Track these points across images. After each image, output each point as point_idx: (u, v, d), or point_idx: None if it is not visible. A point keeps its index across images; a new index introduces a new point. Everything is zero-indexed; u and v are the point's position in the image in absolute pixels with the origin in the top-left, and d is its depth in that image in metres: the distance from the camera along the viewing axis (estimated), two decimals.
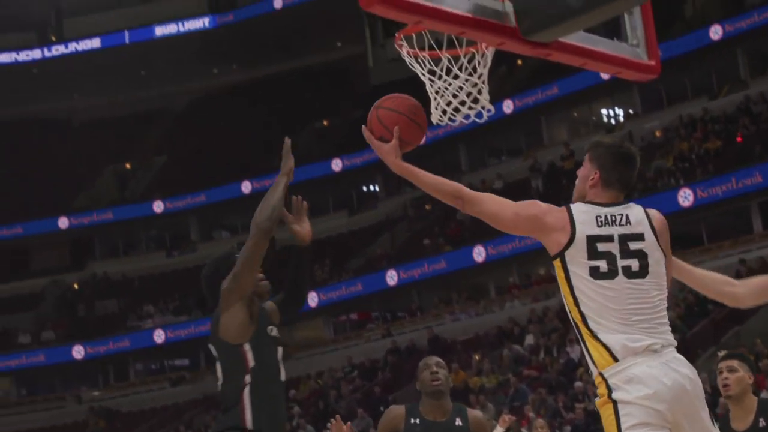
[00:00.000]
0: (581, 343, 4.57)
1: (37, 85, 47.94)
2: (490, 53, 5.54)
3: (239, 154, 43.53)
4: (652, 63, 5.55)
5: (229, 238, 43.70)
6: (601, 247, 4.53)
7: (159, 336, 38.09)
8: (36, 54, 47.27)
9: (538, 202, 4.77)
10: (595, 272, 4.51)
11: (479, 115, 5.65)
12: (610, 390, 4.43)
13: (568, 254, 4.57)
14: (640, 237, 4.57)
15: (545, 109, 36.86)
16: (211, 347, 5.18)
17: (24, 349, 39.97)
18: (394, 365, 30.82)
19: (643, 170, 32.17)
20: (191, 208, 43.03)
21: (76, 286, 43.86)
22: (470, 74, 5.60)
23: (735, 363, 6.18)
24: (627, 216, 4.60)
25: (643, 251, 4.54)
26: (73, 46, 46.95)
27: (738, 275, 26.22)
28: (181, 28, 45.90)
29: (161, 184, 45.14)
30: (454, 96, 5.63)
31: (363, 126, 5.03)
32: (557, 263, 4.61)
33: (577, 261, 4.55)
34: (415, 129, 5.06)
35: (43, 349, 40.25)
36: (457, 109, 5.66)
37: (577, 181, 4.83)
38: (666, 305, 4.58)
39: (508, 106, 35.83)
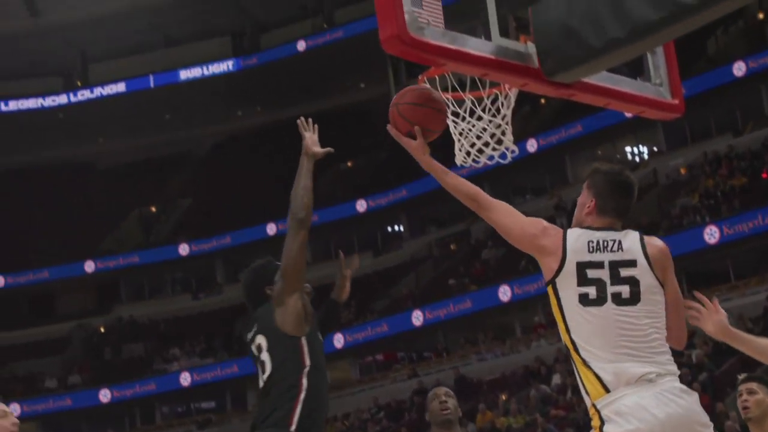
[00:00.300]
0: (575, 372, 4.52)
1: (63, 129, 48.33)
2: (513, 94, 5.57)
3: (264, 196, 43.65)
4: (676, 102, 5.55)
5: None
6: (591, 273, 4.50)
7: (185, 379, 38.07)
8: (62, 99, 47.65)
9: (542, 221, 4.73)
10: (584, 299, 4.48)
11: (503, 156, 5.66)
12: (602, 422, 4.36)
13: (558, 280, 4.55)
14: (631, 263, 4.50)
15: (569, 148, 36.86)
16: (261, 338, 5.24)
17: (50, 393, 40.01)
18: (421, 406, 30.68)
19: (668, 208, 32.09)
20: (217, 251, 43.13)
21: (102, 330, 43.97)
22: (494, 115, 5.62)
23: (754, 385, 6.16)
24: (619, 242, 4.53)
25: (635, 278, 4.48)
26: (98, 91, 47.30)
27: (765, 312, 26.02)
28: (206, 72, 46.22)
29: (186, 226, 45.31)
30: (478, 137, 5.65)
31: (388, 125, 5.07)
32: (549, 289, 4.60)
33: (568, 287, 4.52)
34: (438, 117, 5.10)
35: (70, 393, 40.30)
36: (480, 150, 5.67)
37: (576, 208, 4.78)
38: (662, 333, 4.48)
39: (532, 145, 35.86)
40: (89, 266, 43.98)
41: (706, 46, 37.55)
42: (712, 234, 29.09)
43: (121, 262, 44.25)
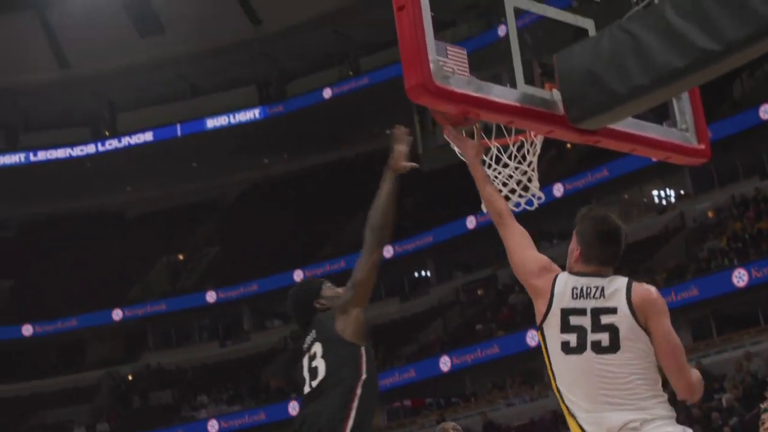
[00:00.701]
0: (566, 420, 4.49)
1: (91, 178, 48.66)
2: (539, 141, 5.59)
3: (290, 243, 43.79)
4: (702, 147, 5.55)
5: (282, 326, 43.78)
6: (574, 320, 4.47)
7: (213, 426, 38.00)
8: (90, 149, 48.00)
9: (546, 262, 4.72)
10: (566, 347, 4.45)
11: (530, 202, 5.67)
12: None
13: (545, 325, 4.53)
14: (612, 310, 4.45)
15: (596, 192, 36.76)
16: (318, 346, 5.25)
17: None
18: None
19: (696, 251, 31.93)
20: (244, 298, 43.17)
21: (130, 378, 44.01)
22: (520, 162, 5.63)
23: None
24: (602, 288, 4.49)
25: (614, 325, 4.42)
26: (126, 140, 47.64)
27: None
28: (232, 120, 46.51)
29: (214, 274, 45.41)
30: (504, 184, 5.66)
31: (444, 131, 5.11)
32: (539, 335, 4.57)
33: (552, 334, 4.50)
34: None
35: None
36: (507, 197, 5.68)
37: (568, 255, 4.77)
38: (650, 379, 4.40)
39: (558, 190, 35.81)
40: (117, 314, 44.11)
41: (731, 89, 37.51)
42: (740, 277, 28.89)
43: (149, 309, 44.36)
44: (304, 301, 5.50)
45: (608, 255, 4.62)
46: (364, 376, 5.16)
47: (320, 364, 5.18)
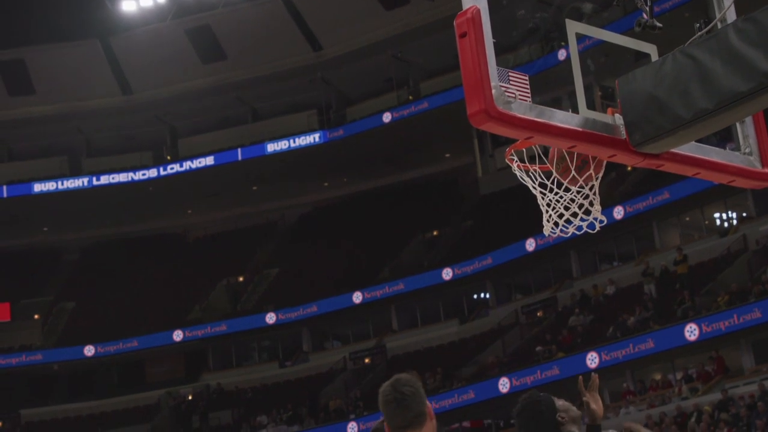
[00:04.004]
0: None
1: (153, 202, 49.22)
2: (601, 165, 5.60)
3: (349, 266, 43.91)
4: (767, 170, 5.54)
5: (340, 347, 43.87)
6: None
7: None
8: (152, 173, 48.51)
9: None
10: None
11: (591, 226, 5.68)
12: None
13: None
14: None
15: (656, 215, 36.50)
16: None
17: None
18: None
19: (758, 274, 31.52)
20: (303, 319, 43.33)
21: (190, 397, 44.30)
22: (581, 186, 5.64)
23: None
24: None
25: None
26: (187, 164, 48.10)
27: None
28: (293, 144, 46.80)
29: (273, 296, 45.64)
30: (566, 208, 5.67)
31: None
32: None
33: None
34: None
35: None
36: (568, 221, 5.69)
37: None
38: None
39: (618, 212, 35.58)
40: (178, 335, 44.47)
41: None
42: None
43: (210, 330, 44.65)
44: (549, 417, 5.46)
45: (397, 421, 4.38)
46: None
47: None
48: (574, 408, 5.42)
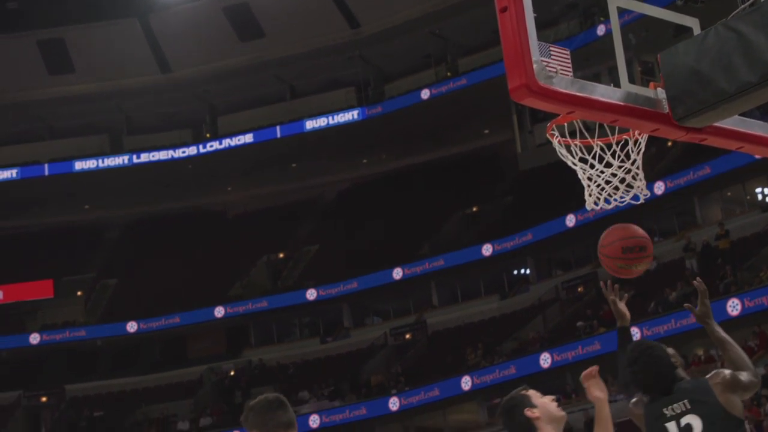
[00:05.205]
0: None
1: (193, 179, 49.49)
2: (643, 139, 5.60)
3: (389, 242, 43.98)
4: None
5: (381, 323, 44.00)
6: None
7: (314, 421, 38.33)
8: (191, 150, 48.73)
9: None
10: None
11: (635, 198, 5.68)
12: None
13: None
14: None
15: (698, 190, 36.26)
16: (694, 418, 5.26)
17: None
18: None
19: None
20: (343, 295, 43.49)
21: (232, 373, 44.62)
22: (623, 160, 5.65)
23: None
24: None
25: None
26: (226, 142, 48.29)
27: None
28: (331, 121, 46.86)
29: (313, 272, 45.81)
30: (607, 182, 5.67)
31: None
32: None
33: None
34: (629, 272, 5.31)
35: None
36: (611, 194, 5.69)
37: None
38: None
39: (659, 188, 35.37)
40: (219, 311, 44.75)
41: None
42: None
43: (251, 307, 44.90)
44: (666, 361, 5.42)
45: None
46: None
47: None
48: (677, 355, 5.47)
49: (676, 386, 5.29)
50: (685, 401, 5.24)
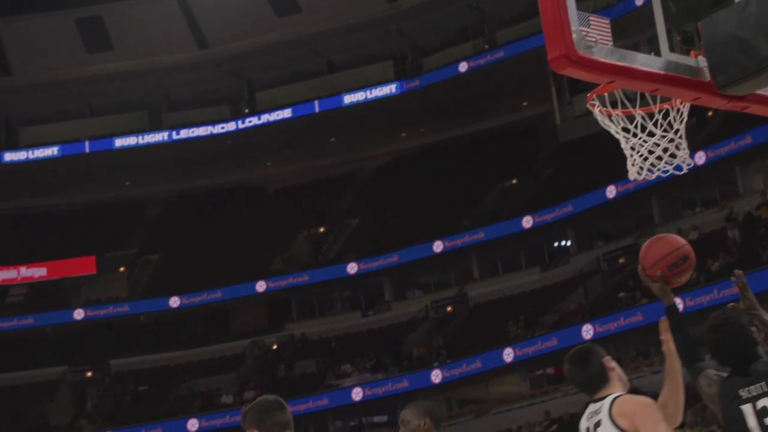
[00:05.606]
0: None
1: (232, 155, 49.70)
2: (685, 108, 5.58)
3: (429, 215, 43.99)
4: None
5: (422, 296, 44.08)
6: None
7: (357, 394, 38.56)
8: (230, 126, 48.93)
9: None
10: None
11: (678, 167, 5.67)
12: None
13: None
14: None
15: (739, 159, 35.97)
16: None
17: (227, 408, 41.03)
18: None
19: None
20: (384, 269, 43.57)
21: (274, 347, 44.90)
22: (665, 130, 5.64)
23: None
24: None
25: None
26: (265, 117, 48.43)
27: None
28: (369, 95, 46.84)
29: (354, 246, 45.93)
30: (650, 152, 5.66)
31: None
32: None
33: None
34: (675, 279, 5.36)
35: None
36: (653, 164, 5.68)
37: None
38: None
39: (700, 158, 35.11)
40: (261, 286, 44.98)
41: None
42: None
43: (292, 281, 45.10)
44: (748, 333, 5.30)
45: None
46: None
47: None
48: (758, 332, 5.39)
49: (753, 367, 5.19)
50: (763, 383, 5.16)
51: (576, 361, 5.09)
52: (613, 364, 5.03)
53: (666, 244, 5.35)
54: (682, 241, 5.37)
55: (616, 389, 5.00)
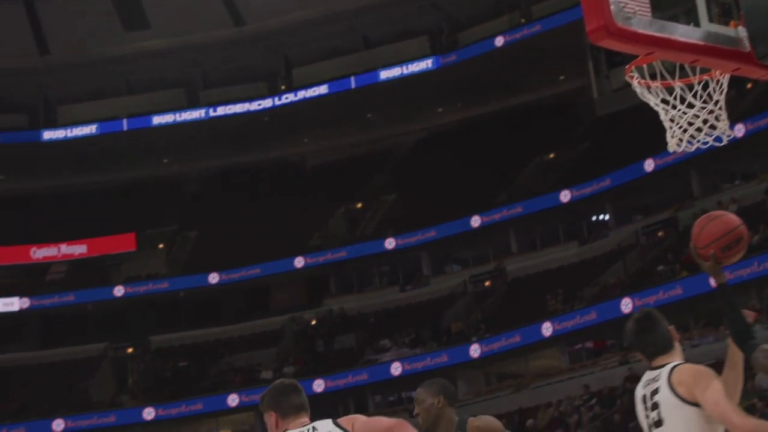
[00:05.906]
0: None
1: (269, 131, 49.82)
2: (725, 80, 5.56)
3: (466, 189, 43.94)
4: None
5: (460, 271, 44.10)
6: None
7: (396, 368, 38.68)
8: (267, 103, 49.01)
9: None
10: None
11: (718, 139, 5.65)
12: None
13: None
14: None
15: None
16: None
17: (267, 384, 40.64)
18: (633, 393, 30.26)
19: None
20: (422, 244, 43.62)
21: (313, 323, 45.11)
22: (705, 101, 5.62)
23: None
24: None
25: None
26: (301, 94, 48.47)
27: None
28: (405, 71, 46.77)
29: (392, 221, 46.00)
30: (690, 123, 5.65)
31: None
32: None
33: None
34: (728, 258, 5.20)
35: None
36: (693, 136, 5.67)
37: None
38: None
39: (739, 130, 34.79)
40: (299, 262, 45.17)
41: None
42: None
43: (330, 257, 45.24)
44: None
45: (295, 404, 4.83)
46: None
47: None
48: None
49: None
50: None
51: (644, 323, 5.08)
52: (677, 335, 5.04)
53: (721, 225, 5.12)
54: (736, 221, 5.16)
55: (676, 358, 5.00)
